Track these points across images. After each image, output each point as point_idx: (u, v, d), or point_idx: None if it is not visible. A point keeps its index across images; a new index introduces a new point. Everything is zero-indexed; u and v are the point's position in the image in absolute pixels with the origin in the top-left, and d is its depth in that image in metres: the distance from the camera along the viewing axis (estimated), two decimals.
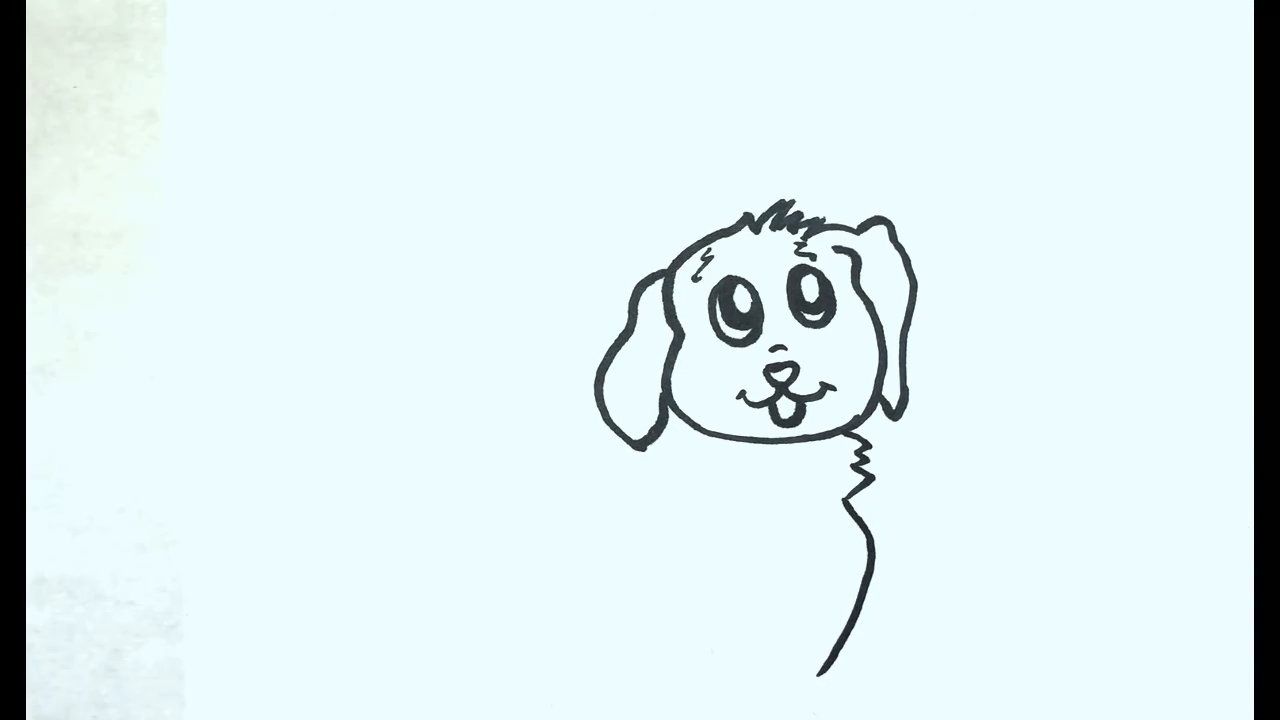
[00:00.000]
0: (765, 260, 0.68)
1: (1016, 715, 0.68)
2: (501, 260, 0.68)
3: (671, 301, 0.68)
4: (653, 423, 0.68)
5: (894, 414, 0.68)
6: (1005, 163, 0.68)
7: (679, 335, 0.68)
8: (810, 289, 0.68)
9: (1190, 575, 0.68)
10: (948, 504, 0.68)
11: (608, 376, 0.68)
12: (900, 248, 0.68)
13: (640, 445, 0.68)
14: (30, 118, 0.67)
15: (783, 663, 0.69)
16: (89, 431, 0.67)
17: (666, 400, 0.68)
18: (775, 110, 0.68)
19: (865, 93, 0.68)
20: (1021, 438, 0.68)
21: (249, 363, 0.67)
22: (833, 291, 0.68)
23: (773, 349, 0.67)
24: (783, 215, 0.68)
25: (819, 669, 0.69)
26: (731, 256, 0.68)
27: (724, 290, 0.68)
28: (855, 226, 0.68)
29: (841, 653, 0.68)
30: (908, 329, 0.68)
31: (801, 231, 0.68)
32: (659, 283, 0.68)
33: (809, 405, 0.67)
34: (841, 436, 0.68)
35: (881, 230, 0.68)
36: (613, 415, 0.68)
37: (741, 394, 0.67)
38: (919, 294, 0.68)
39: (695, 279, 0.68)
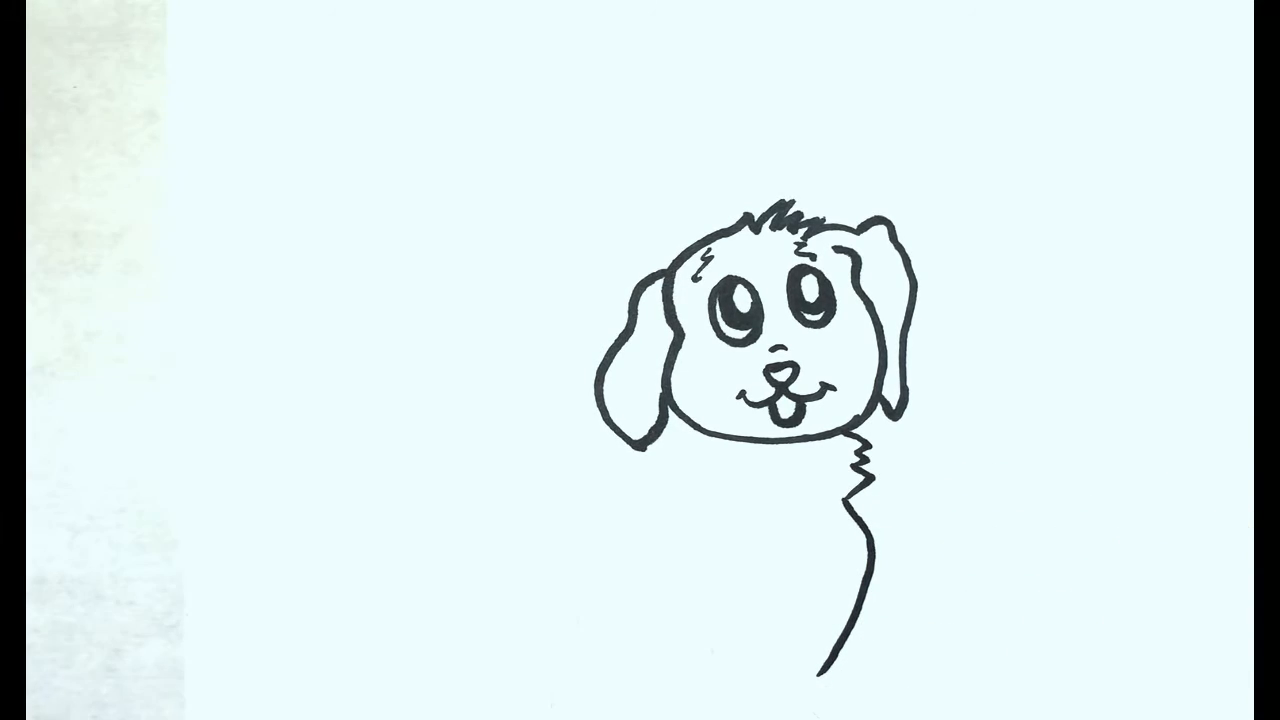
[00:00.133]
0: (765, 260, 0.68)
1: (1016, 715, 0.68)
2: (501, 260, 0.68)
3: (671, 301, 0.68)
4: (653, 423, 0.68)
5: (894, 414, 0.68)
6: (1005, 163, 0.68)
7: (679, 335, 0.68)
8: (810, 289, 0.68)
9: (1190, 575, 0.68)
10: (948, 504, 0.68)
11: (608, 376, 0.68)
12: (900, 248, 0.68)
13: (640, 445, 0.68)
14: (30, 118, 0.67)
15: (783, 663, 0.69)
16: (89, 431, 0.67)
17: (666, 400, 0.68)
18: (775, 110, 0.68)
19: (865, 93, 0.68)
20: (1021, 438, 0.68)
21: (249, 363, 0.67)
22: (833, 291, 0.68)
23: (773, 349, 0.67)
24: (783, 215, 0.68)
25: (819, 669, 0.69)
26: (731, 256, 0.68)
27: (724, 290, 0.68)
28: (855, 226, 0.68)
29: (841, 653, 0.68)
30: (908, 329, 0.68)
31: (801, 231, 0.68)
32: (659, 283, 0.68)
33: (809, 405, 0.67)
34: (841, 436, 0.68)
35: (881, 230, 0.68)
36: (613, 415, 0.68)
37: (741, 394, 0.67)
38: (919, 294, 0.68)
39: (695, 279, 0.68)
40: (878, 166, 0.68)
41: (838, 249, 0.68)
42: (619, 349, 0.68)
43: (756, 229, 0.68)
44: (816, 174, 0.68)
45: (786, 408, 0.67)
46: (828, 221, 0.68)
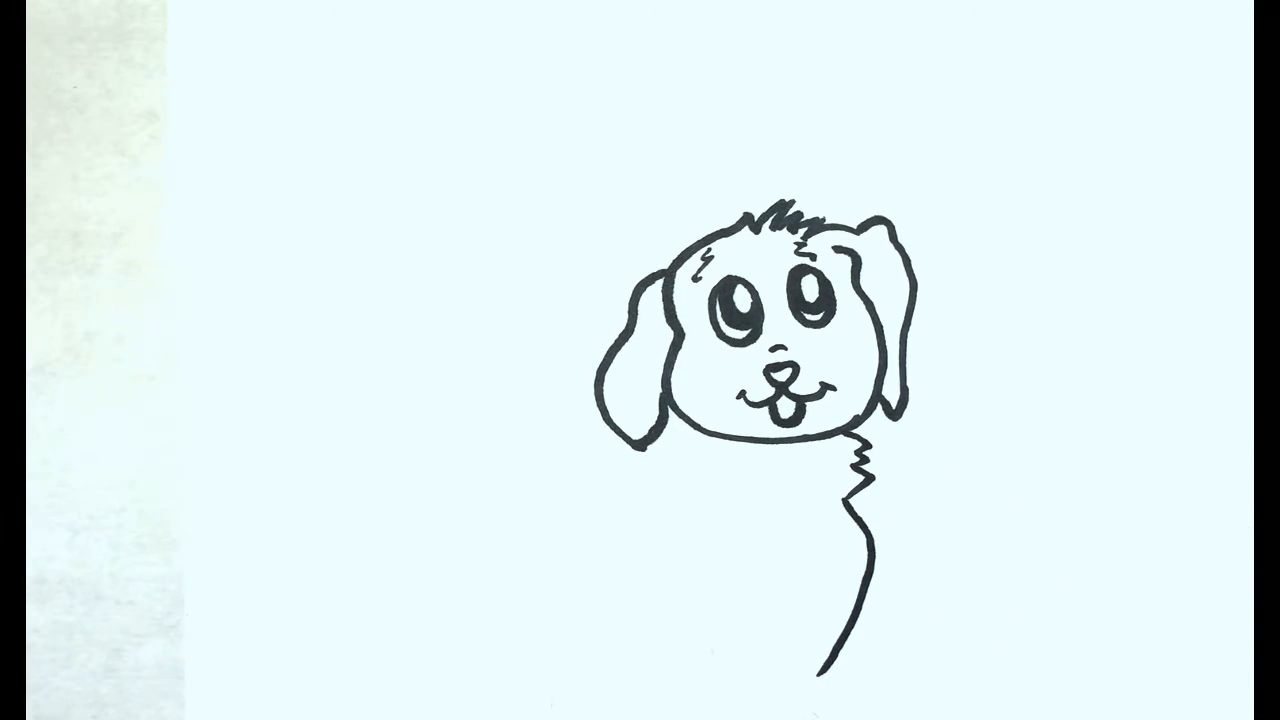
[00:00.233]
0: (765, 260, 0.68)
1: (1016, 715, 0.68)
2: (502, 261, 0.68)
3: (671, 301, 0.68)
4: (653, 423, 0.68)
5: (894, 414, 0.68)
6: (1005, 163, 0.68)
7: (679, 335, 0.68)
8: (810, 289, 0.68)
9: (1190, 575, 0.68)
10: (948, 504, 0.68)
11: (608, 376, 0.68)
12: (900, 248, 0.68)
13: (640, 445, 0.68)
14: (30, 118, 0.67)
15: (783, 663, 0.68)
16: (89, 431, 0.67)
17: (666, 400, 0.68)
18: (775, 110, 0.68)
19: (865, 93, 0.68)
20: (1021, 438, 0.68)
21: (249, 363, 0.67)
22: (833, 291, 0.68)
23: (773, 349, 0.67)
24: (783, 215, 0.68)
25: (819, 669, 0.69)
26: (731, 256, 0.68)
27: (724, 290, 0.68)
28: (855, 226, 0.68)
29: (841, 653, 0.68)
30: (908, 329, 0.68)
31: (801, 231, 0.68)
32: (659, 283, 0.68)
33: (809, 405, 0.67)
34: (841, 436, 0.68)
35: (881, 230, 0.68)
36: (613, 415, 0.68)
37: (741, 394, 0.67)
38: (919, 294, 0.68)
39: (695, 279, 0.68)
40: (878, 166, 0.68)
41: (838, 249, 0.68)
42: (619, 349, 0.68)
43: (756, 229, 0.68)
44: (816, 174, 0.68)
45: (786, 408, 0.67)
46: (828, 221, 0.68)
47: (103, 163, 0.67)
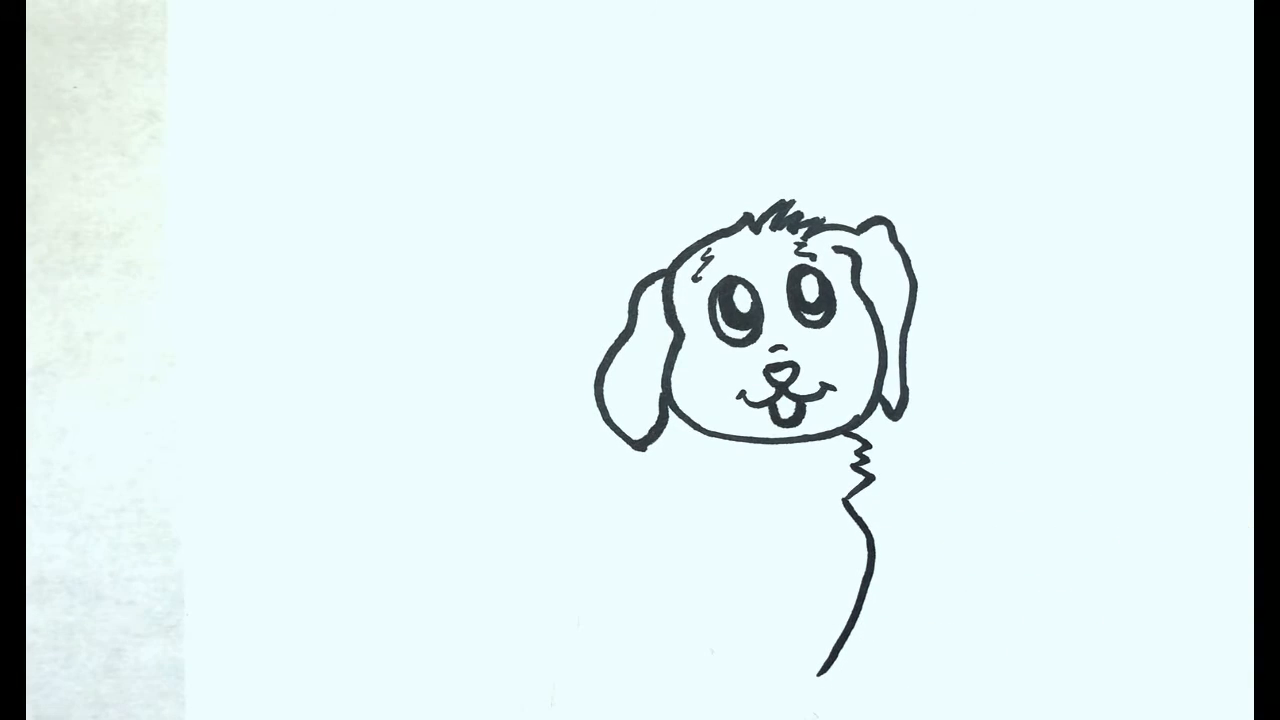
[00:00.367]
0: (765, 260, 0.68)
1: (1016, 715, 0.68)
2: (502, 261, 0.68)
3: (671, 301, 0.68)
4: (653, 423, 0.68)
5: (894, 414, 0.68)
6: (1005, 163, 0.68)
7: (679, 335, 0.68)
8: (810, 289, 0.68)
9: (1190, 575, 0.68)
10: (948, 504, 0.68)
11: (608, 376, 0.68)
12: (900, 248, 0.68)
13: (640, 445, 0.68)
14: (30, 118, 0.67)
15: (783, 663, 0.69)
16: (89, 431, 0.67)
17: (666, 400, 0.68)
18: (775, 110, 0.68)
19: (865, 93, 0.68)
20: (1021, 438, 0.68)
21: (249, 363, 0.67)
22: (833, 291, 0.68)
23: (773, 349, 0.67)
24: (783, 215, 0.68)
25: (819, 669, 0.69)
26: (731, 256, 0.68)
27: (724, 290, 0.68)
28: (855, 226, 0.68)
29: (841, 653, 0.68)
30: (908, 329, 0.68)
31: (801, 231, 0.68)
32: (659, 283, 0.68)
33: (809, 405, 0.67)
34: (841, 436, 0.68)
35: (881, 230, 0.68)
36: (613, 415, 0.68)
37: (741, 394, 0.67)
38: (919, 294, 0.68)
39: (695, 279, 0.68)
40: (878, 166, 0.68)
41: (838, 249, 0.68)
42: (619, 349, 0.68)
43: (756, 229, 0.68)
44: (816, 174, 0.68)
45: (786, 408, 0.67)
46: (828, 221, 0.68)
47: (103, 163, 0.67)
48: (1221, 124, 0.68)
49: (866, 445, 0.68)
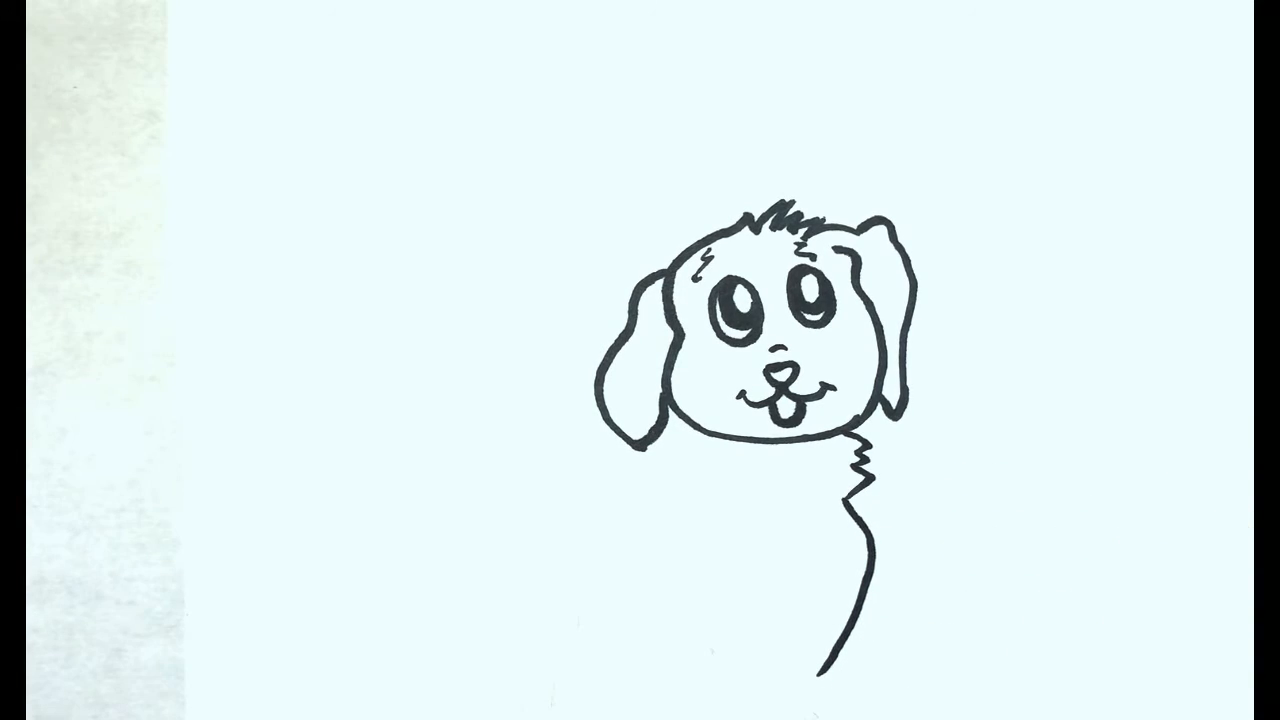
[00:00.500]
0: (765, 260, 0.68)
1: (1016, 715, 0.68)
2: (502, 261, 0.68)
3: (671, 301, 0.68)
4: (653, 423, 0.68)
5: (894, 414, 0.68)
6: (1005, 163, 0.68)
7: (679, 335, 0.68)
8: (810, 289, 0.68)
9: (1190, 575, 0.68)
10: (948, 504, 0.68)
11: (608, 376, 0.68)
12: (900, 248, 0.68)
13: (640, 445, 0.68)
14: (30, 118, 0.67)
15: (783, 663, 0.69)
16: (89, 431, 0.67)
17: (666, 400, 0.68)
18: (775, 110, 0.68)
19: (865, 93, 0.68)
20: (1021, 437, 0.68)
21: (249, 363, 0.67)
22: (833, 291, 0.68)
23: (773, 349, 0.67)
24: (783, 215, 0.68)
25: (819, 669, 0.69)
26: (731, 256, 0.68)
27: (724, 290, 0.68)
28: (855, 226, 0.68)
29: (841, 653, 0.68)
30: (908, 329, 0.68)
31: (801, 231, 0.68)
32: (659, 283, 0.68)
33: (809, 405, 0.67)
34: (841, 436, 0.68)
35: (881, 230, 0.68)
36: (613, 415, 0.68)
37: (741, 394, 0.67)
38: (919, 294, 0.68)
39: (695, 279, 0.68)
40: (878, 166, 0.68)
41: (838, 249, 0.68)
42: (619, 349, 0.68)
43: (756, 229, 0.68)
44: (816, 174, 0.68)
45: (786, 408, 0.67)
46: (828, 221, 0.68)
47: (103, 163, 0.67)
48: (1221, 124, 0.68)
49: (866, 445, 0.68)
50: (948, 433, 0.68)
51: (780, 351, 0.67)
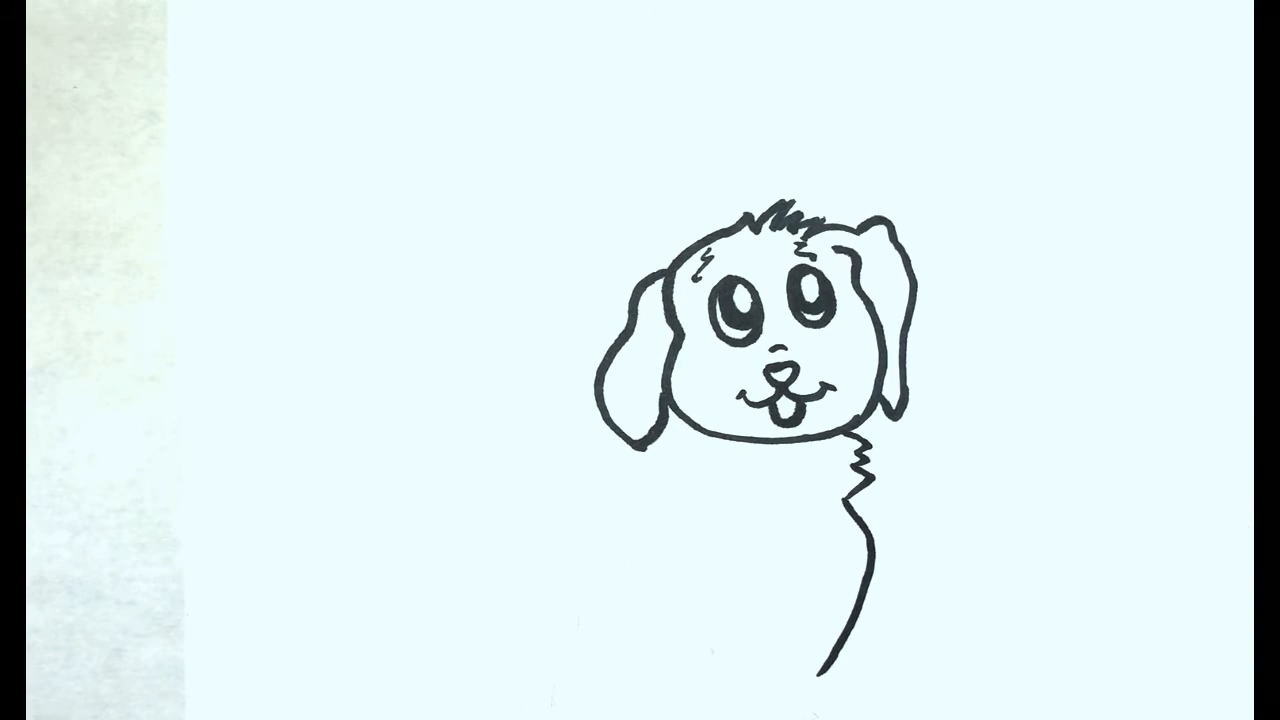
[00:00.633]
0: (765, 260, 0.68)
1: (1016, 715, 0.68)
2: (502, 261, 0.68)
3: (671, 301, 0.68)
4: (653, 423, 0.68)
5: (894, 414, 0.68)
6: (1005, 163, 0.68)
7: (679, 335, 0.68)
8: (810, 289, 0.68)
9: (1190, 575, 0.68)
10: (948, 504, 0.68)
11: (608, 376, 0.68)
12: (900, 248, 0.68)
13: (640, 445, 0.68)
14: (30, 118, 0.67)
15: (783, 663, 0.69)
16: (89, 431, 0.67)
17: (666, 400, 0.68)
18: (775, 110, 0.68)
19: (865, 93, 0.68)
20: (1021, 438, 0.68)
21: (249, 363, 0.67)
22: (833, 291, 0.68)
23: (773, 349, 0.67)
24: (783, 215, 0.68)
25: (819, 669, 0.69)
26: (731, 256, 0.68)
27: (724, 290, 0.68)
28: (855, 226, 0.68)
29: (841, 653, 0.68)
30: (908, 329, 0.68)
31: (801, 231, 0.68)
32: (659, 283, 0.68)
33: (809, 405, 0.67)
34: (841, 436, 0.68)
35: (881, 230, 0.68)
36: (613, 415, 0.68)
37: (741, 394, 0.67)
38: (919, 294, 0.68)
39: (695, 279, 0.68)
40: (878, 166, 0.68)
41: (838, 249, 0.68)
42: (619, 349, 0.68)
43: (756, 229, 0.68)
44: (816, 174, 0.68)
45: (786, 408, 0.67)
46: (828, 221, 0.68)
47: (103, 163, 0.67)
48: (1221, 124, 0.68)
49: (866, 445, 0.68)
50: (948, 433, 0.68)
51: (780, 351, 0.67)
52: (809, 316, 0.68)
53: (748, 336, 0.68)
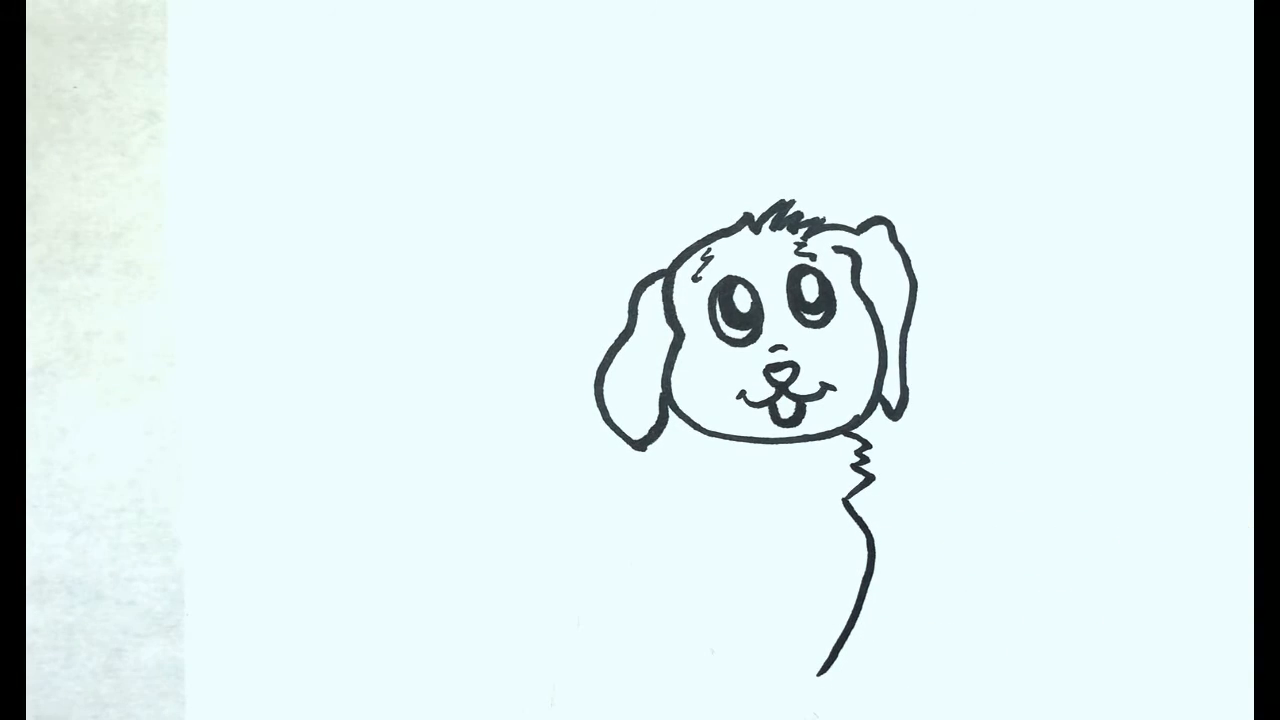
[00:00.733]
0: (765, 260, 0.68)
1: (1016, 715, 0.68)
2: (502, 261, 0.68)
3: (671, 301, 0.68)
4: (653, 423, 0.68)
5: (894, 414, 0.68)
6: (1005, 163, 0.68)
7: (679, 335, 0.68)
8: (810, 289, 0.68)
9: (1190, 575, 0.68)
10: (948, 504, 0.68)
11: (608, 376, 0.68)
12: (900, 248, 0.68)
13: (640, 445, 0.68)
14: (30, 118, 0.67)
15: (783, 663, 0.69)
16: (89, 431, 0.67)
17: (666, 400, 0.68)
18: (775, 110, 0.68)
19: (865, 93, 0.68)
20: (1021, 438, 0.68)
21: (249, 363, 0.67)
22: (833, 291, 0.68)
23: (773, 349, 0.67)
24: (783, 215, 0.68)
25: (819, 669, 0.69)
26: (731, 256, 0.68)
27: (724, 290, 0.68)
28: (855, 226, 0.68)
29: (841, 653, 0.68)
30: (908, 329, 0.68)
31: (801, 231, 0.68)
32: (659, 283, 0.68)
33: (809, 405, 0.67)
34: (841, 436, 0.68)
35: (881, 230, 0.68)
36: (613, 415, 0.68)
37: (741, 394, 0.67)
38: (919, 294, 0.68)
39: (695, 279, 0.68)
40: (878, 166, 0.68)
41: (838, 249, 0.68)
42: (619, 349, 0.68)
43: (756, 229, 0.68)
44: (816, 174, 0.68)
45: (786, 408, 0.67)
46: (828, 221, 0.68)
47: (103, 163, 0.67)
48: (1221, 124, 0.68)
49: (866, 445, 0.68)
50: (947, 433, 0.68)
51: (780, 351, 0.67)
52: (809, 316, 0.68)
53: (748, 336, 0.68)
